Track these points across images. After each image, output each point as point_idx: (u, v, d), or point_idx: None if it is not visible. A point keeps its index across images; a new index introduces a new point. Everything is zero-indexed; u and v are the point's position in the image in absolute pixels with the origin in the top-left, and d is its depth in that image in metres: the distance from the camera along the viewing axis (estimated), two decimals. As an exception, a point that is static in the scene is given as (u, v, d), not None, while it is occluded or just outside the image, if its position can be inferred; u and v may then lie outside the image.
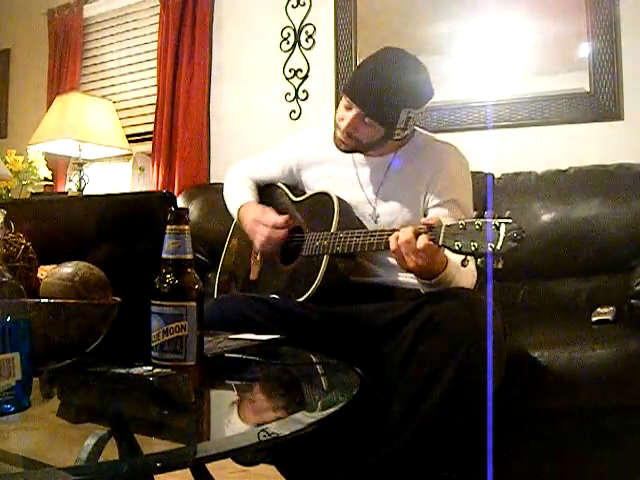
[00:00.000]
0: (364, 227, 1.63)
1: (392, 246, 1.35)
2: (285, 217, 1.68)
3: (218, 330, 1.28)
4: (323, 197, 1.67)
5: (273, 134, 2.95)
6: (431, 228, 1.31)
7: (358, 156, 1.71)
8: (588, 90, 2.30)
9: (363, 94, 1.57)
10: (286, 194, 1.82)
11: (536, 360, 1.54)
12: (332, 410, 0.82)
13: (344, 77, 2.79)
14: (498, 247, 1.20)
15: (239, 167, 1.97)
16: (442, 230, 1.29)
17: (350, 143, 1.63)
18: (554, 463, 1.57)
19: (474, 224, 1.24)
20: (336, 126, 1.65)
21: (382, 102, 1.55)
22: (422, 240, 1.30)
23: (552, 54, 2.38)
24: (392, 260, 1.47)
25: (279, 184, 1.86)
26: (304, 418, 0.80)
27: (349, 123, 1.59)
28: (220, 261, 1.93)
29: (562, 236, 2.00)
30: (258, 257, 1.77)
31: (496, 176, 2.22)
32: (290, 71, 2.95)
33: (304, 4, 2.92)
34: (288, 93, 2.95)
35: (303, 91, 2.92)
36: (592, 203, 2.03)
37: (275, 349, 1.19)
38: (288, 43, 2.96)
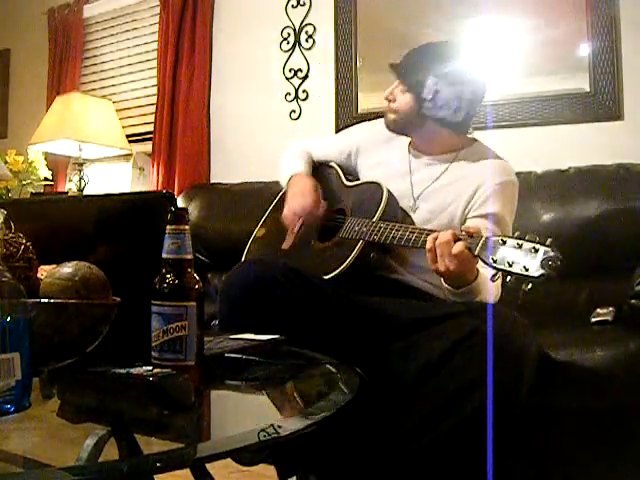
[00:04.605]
0: (407, 220, 1.63)
1: (428, 245, 1.35)
2: (323, 203, 1.73)
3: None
4: (374, 186, 1.68)
5: (273, 134, 2.95)
6: (470, 236, 1.30)
7: (415, 151, 1.73)
8: (588, 90, 2.30)
9: (402, 64, 1.68)
10: (339, 176, 1.83)
11: (536, 360, 1.54)
12: (332, 411, 0.82)
13: (344, 77, 2.79)
14: (532, 270, 1.19)
15: (300, 142, 1.99)
16: (481, 241, 1.28)
17: (392, 117, 1.69)
18: (554, 463, 1.57)
19: (514, 242, 1.23)
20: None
21: (410, 63, 1.65)
22: (458, 246, 1.29)
23: (552, 54, 2.38)
24: (424, 264, 1.46)
25: (334, 164, 1.87)
26: (304, 418, 0.80)
27: (390, 91, 1.68)
28: (254, 230, 1.93)
29: (562, 236, 2.00)
30: (296, 228, 1.77)
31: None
32: (290, 71, 2.95)
33: (304, 4, 2.92)
34: (288, 93, 2.95)
35: (303, 91, 2.92)
36: (592, 203, 2.03)
37: (275, 349, 1.19)
38: (288, 43, 2.96)
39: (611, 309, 1.75)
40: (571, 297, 2.00)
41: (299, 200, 1.71)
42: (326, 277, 1.57)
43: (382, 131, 1.77)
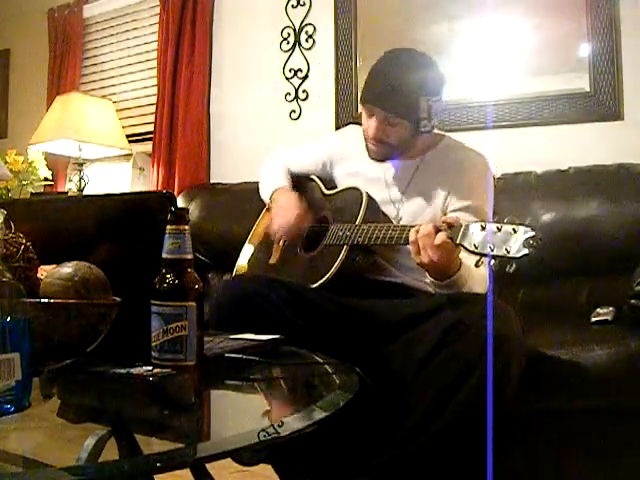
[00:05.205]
0: (389, 222, 1.65)
1: (411, 237, 1.37)
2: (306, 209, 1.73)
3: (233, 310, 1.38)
4: (353, 192, 1.70)
5: (273, 134, 2.95)
6: (450, 226, 1.32)
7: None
8: (588, 90, 2.30)
9: (381, 95, 1.59)
10: (319, 187, 1.86)
11: (535, 361, 1.54)
12: (332, 411, 0.82)
13: (344, 77, 2.79)
14: (513, 251, 1.22)
15: (277, 157, 1.99)
16: (461, 230, 1.30)
17: (382, 150, 1.65)
18: (554, 464, 1.57)
19: (493, 226, 1.26)
20: (365, 139, 1.66)
21: (401, 95, 1.57)
22: (440, 237, 1.31)
23: (552, 54, 2.38)
24: (411, 263, 1.47)
25: (313, 177, 1.89)
26: (304, 418, 0.80)
27: (376, 129, 1.61)
28: (244, 244, 1.95)
29: (562, 236, 2.00)
30: (281, 242, 1.79)
31: (496, 176, 2.21)
32: (290, 71, 2.95)
33: (304, 4, 2.92)
34: (288, 93, 2.95)
35: (303, 91, 2.92)
36: (592, 203, 2.03)
37: (275, 349, 1.19)
38: (288, 43, 2.96)
39: (611, 309, 1.75)
40: (571, 297, 2.00)
41: (284, 215, 1.74)
42: (314, 285, 1.57)
43: (352, 140, 1.77)
